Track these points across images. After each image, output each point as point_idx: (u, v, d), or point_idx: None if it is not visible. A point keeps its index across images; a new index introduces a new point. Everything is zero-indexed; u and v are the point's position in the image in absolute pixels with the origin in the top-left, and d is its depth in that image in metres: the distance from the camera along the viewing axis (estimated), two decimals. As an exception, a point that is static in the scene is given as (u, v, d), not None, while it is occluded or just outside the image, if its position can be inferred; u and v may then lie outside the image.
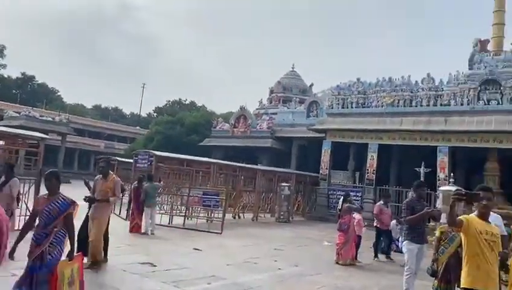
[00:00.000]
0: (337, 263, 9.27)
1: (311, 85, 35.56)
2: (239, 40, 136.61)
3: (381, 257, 10.46)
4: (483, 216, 3.56)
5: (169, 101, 65.08)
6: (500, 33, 23.91)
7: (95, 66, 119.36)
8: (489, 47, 24.75)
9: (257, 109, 33.93)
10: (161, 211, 14.11)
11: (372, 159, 20.90)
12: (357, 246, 9.89)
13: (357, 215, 9.94)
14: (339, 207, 9.91)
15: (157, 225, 12.09)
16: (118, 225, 12.65)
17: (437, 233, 5.60)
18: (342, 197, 10.00)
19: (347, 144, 22.25)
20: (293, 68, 36.25)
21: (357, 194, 19.91)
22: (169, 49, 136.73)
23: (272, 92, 35.14)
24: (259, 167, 21.22)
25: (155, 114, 63.50)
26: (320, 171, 22.56)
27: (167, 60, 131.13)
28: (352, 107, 22.32)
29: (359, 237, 9.95)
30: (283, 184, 18.81)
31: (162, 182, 13.52)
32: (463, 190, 3.66)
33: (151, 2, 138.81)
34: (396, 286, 6.77)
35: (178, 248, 9.60)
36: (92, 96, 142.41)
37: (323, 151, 22.67)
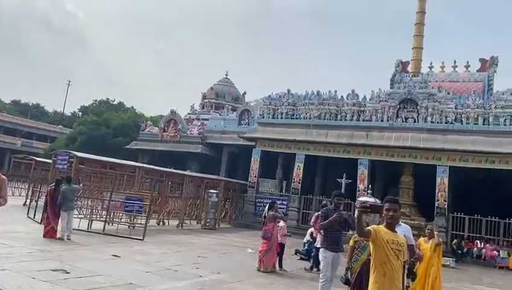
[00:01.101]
0: (258, 270, 9.35)
1: (244, 93, 35.92)
2: (173, 44, 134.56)
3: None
4: (390, 226, 3.77)
5: (96, 100, 62.16)
6: (419, 56, 25.88)
7: (17, 58, 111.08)
8: (409, 68, 26.69)
9: (188, 114, 33.57)
10: (80, 215, 13.39)
11: (298, 169, 21.50)
12: (281, 254, 10.08)
13: (281, 223, 10.14)
14: (265, 214, 10.03)
15: (74, 229, 11.44)
16: (31, 229, 11.84)
17: (351, 242, 5.85)
18: (268, 205, 10.12)
19: (276, 153, 22.70)
20: (226, 75, 36.45)
21: (283, 202, 20.34)
22: (100, 47, 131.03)
23: (204, 97, 35.00)
24: (187, 172, 20.93)
25: (80, 113, 60.35)
26: (249, 179, 22.78)
27: (97, 58, 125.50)
28: (282, 118, 22.84)
29: (282, 245, 10.15)
30: (211, 191, 18.70)
31: (81, 185, 12.84)
32: (368, 202, 3.86)
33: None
34: (314, 293, 6.96)
35: (95, 254, 9.14)
36: (12, 91, 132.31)
37: (252, 159, 22.92)
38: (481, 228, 17.49)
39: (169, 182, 19.02)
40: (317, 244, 10.95)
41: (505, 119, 18.11)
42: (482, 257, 16.48)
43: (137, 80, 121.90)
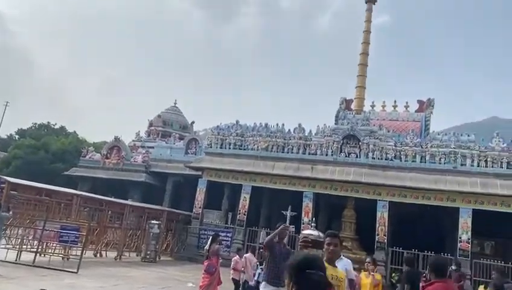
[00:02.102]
0: (199, 305, 9.01)
1: (193, 122, 35.73)
2: (123, 70, 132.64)
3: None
4: (330, 261, 3.77)
5: (35, 123, 59.17)
6: (361, 95, 27.08)
7: None
8: (353, 106, 27.82)
9: (133, 141, 32.74)
10: (8, 245, 12.40)
11: (244, 200, 21.38)
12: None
13: (236, 257, 10.03)
14: (207, 247, 9.75)
15: (1, 261, 10.55)
16: None
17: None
18: (211, 237, 9.85)
19: (222, 184, 22.49)
20: (175, 104, 36.15)
21: (228, 234, 20.05)
22: (44, 70, 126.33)
23: (151, 125, 34.36)
24: (128, 202, 20.17)
25: (17, 136, 57.02)
26: (194, 210, 22.32)
27: (39, 80, 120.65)
28: (230, 148, 22.82)
29: (235, 281, 10.01)
30: (153, 222, 18.09)
31: (11, 213, 11.95)
32: (310, 237, 3.85)
33: (28, 15, 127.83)
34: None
35: (21, 288, 8.42)
36: None
37: (198, 189, 22.55)
38: (418, 263, 18.06)
39: (109, 212, 18.19)
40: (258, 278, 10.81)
41: (440, 158, 19.18)
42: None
43: (83, 104, 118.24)
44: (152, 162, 27.76)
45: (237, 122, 23.57)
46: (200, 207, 22.19)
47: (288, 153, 21.50)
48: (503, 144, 18.87)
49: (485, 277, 15.96)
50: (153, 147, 29.62)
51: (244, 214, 21.18)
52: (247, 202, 21.29)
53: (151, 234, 17.68)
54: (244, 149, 22.57)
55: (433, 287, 3.75)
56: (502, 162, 18.43)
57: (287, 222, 16.31)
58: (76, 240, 12.94)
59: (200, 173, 22.95)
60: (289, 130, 22.38)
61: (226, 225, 21.74)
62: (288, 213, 17.19)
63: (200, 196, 22.37)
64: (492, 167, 18.47)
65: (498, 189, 17.76)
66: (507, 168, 18.32)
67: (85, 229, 13.09)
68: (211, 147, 23.42)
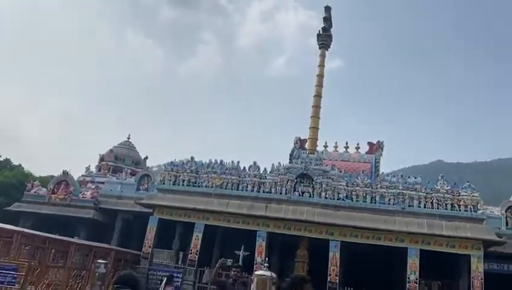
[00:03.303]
0: None
1: (146, 158, 35.01)
2: (74, 103, 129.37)
3: None
4: None
5: (-24, 155, 55.84)
6: (314, 135, 27.77)
7: None
8: (307, 145, 28.43)
9: (83, 176, 31.48)
10: None
11: (196, 239, 20.90)
12: None
13: None
14: (162, 289, 9.43)
15: None
16: None
17: None
18: (166, 279, 9.61)
19: (174, 222, 21.94)
20: (128, 138, 35.40)
21: (178, 275, 19.38)
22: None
23: (102, 159, 33.31)
24: (74, 239, 19.19)
25: (-45, 168, 53.40)
26: (143, 249, 21.49)
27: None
28: (183, 185, 22.46)
29: None
30: (99, 261, 17.17)
31: None
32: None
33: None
34: None
35: None
36: None
37: (149, 227, 21.83)
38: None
39: (53, 250, 17.16)
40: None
41: (389, 199, 19.82)
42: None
43: (30, 136, 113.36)
44: (101, 198, 26.72)
45: (192, 158, 23.36)
46: (150, 246, 21.41)
47: (242, 190, 21.44)
48: (447, 186, 19.82)
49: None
50: (103, 183, 28.60)
51: (196, 254, 20.64)
52: (199, 241, 20.82)
53: (97, 274, 16.74)
54: (198, 186, 22.30)
55: None
56: (446, 204, 19.29)
57: (240, 262, 16.11)
58: (14, 280, 12.06)
59: (151, 210, 22.30)
60: (244, 167, 22.43)
61: (177, 265, 21.04)
62: (241, 253, 17.00)
63: (150, 234, 21.64)
64: (437, 208, 19.27)
65: (443, 230, 18.47)
66: (451, 209, 19.18)
67: (24, 268, 12.24)
68: (163, 184, 22.96)
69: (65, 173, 27.90)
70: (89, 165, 33.26)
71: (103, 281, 17.10)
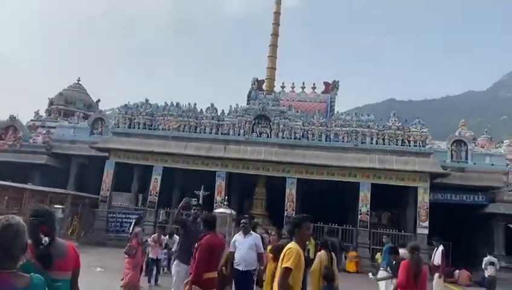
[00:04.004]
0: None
1: (98, 101, 33.76)
2: (18, 46, 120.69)
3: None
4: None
5: None
6: (272, 76, 27.68)
7: None
8: (264, 86, 28.35)
9: (32, 121, 30.09)
10: None
11: (155, 182, 20.95)
12: (157, 269, 10.81)
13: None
14: (131, 231, 9.52)
15: None
16: None
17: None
18: (134, 220, 9.76)
19: (131, 165, 21.75)
20: (78, 81, 33.77)
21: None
22: None
23: (51, 103, 31.81)
24: (28, 186, 18.69)
25: None
26: (101, 193, 21.35)
27: None
28: (139, 128, 22.06)
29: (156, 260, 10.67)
30: (56, 206, 16.98)
31: None
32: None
33: None
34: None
35: None
36: None
37: (105, 171, 21.57)
38: (322, 234, 19.25)
39: (6, 197, 16.70)
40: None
41: (343, 136, 20.43)
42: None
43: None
44: (54, 143, 25.79)
45: (147, 100, 22.79)
46: (107, 190, 21.28)
47: (200, 133, 21.37)
48: (398, 123, 20.60)
49: (382, 245, 17.52)
50: (54, 127, 27.50)
51: (156, 196, 20.79)
52: (159, 183, 20.90)
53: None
54: (155, 129, 21.98)
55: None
56: (397, 140, 20.15)
57: (200, 201, 16.39)
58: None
59: (107, 154, 21.92)
60: (201, 109, 22.19)
61: (136, 207, 21.16)
62: (201, 193, 17.24)
63: (107, 178, 21.43)
64: (389, 144, 20.13)
65: (394, 164, 19.44)
66: (401, 145, 20.09)
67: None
68: (118, 127, 22.45)
69: (12, 117, 26.55)
70: (38, 110, 31.73)
71: (61, 226, 17.04)
